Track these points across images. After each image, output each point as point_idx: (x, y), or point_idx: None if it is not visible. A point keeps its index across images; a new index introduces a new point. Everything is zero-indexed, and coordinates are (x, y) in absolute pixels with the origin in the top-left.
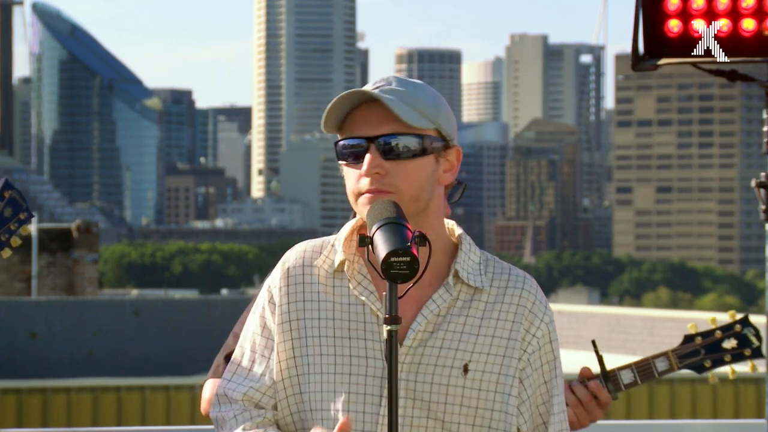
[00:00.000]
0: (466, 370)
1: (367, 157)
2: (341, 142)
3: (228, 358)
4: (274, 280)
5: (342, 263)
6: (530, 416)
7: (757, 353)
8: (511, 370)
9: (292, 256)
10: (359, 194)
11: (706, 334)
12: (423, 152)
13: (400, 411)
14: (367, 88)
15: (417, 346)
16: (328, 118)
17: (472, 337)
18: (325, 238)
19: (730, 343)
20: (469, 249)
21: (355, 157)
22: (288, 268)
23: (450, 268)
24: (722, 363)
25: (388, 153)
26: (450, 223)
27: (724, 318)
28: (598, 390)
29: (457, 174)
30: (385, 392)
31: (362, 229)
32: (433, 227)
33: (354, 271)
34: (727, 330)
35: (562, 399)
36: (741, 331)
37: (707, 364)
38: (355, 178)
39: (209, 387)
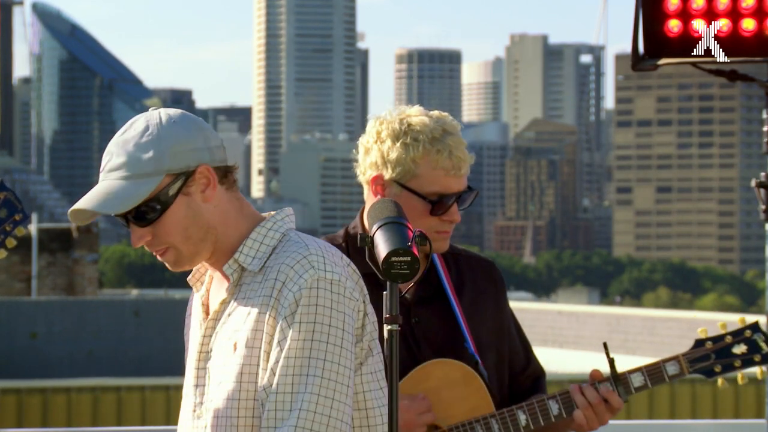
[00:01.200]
0: (235, 347)
1: (132, 230)
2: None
3: None
4: None
5: (196, 271)
6: (265, 392)
7: (766, 359)
8: (262, 344)
9: None
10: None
11: (717, 339)
12: (165, 207)
13: (198, 399)
14: (103, 162)
15: (211, 334)
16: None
17: (242, 317)
18: None
19: (740, 349)
20: (265, 235)
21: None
22: None
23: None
24: (732, 368)
25: (141, 223)
26: (284, 213)
27: (733, 319)
28: (609, 394)
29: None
30: (198, 381)
31: None
32: (228, 237)
33: (198, 276)
34: (738, 335)
35: (301, 362)
36: (751, 337)
37: (717, 368)
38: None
39: None
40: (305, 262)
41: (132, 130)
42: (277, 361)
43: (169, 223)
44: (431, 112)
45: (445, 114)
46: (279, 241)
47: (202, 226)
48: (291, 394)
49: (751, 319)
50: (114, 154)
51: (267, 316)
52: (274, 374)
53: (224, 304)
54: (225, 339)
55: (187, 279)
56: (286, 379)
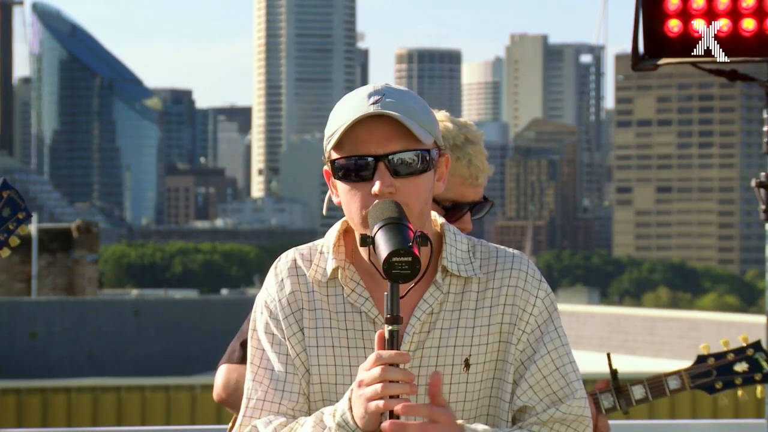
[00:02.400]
0: (467, 365)
1: (379, 176)
2: (343, 161)
3: (244, 344)
4: (270, 293)
5: (335, 270)
6: (543, 392)
7: (767, 378)
8: (509, 356)
9: (284, 267)
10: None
11: (719, 356)
12: (428, 167)
13: (402, 417)
14: (364, 103)
15: (415, 348)
16: (340, 137)
17: (468, 330)
18: (311, 244)
19: (741, 367)
20: (455, 239)
21: (360, 176)
22: (282, 280)
23: (437, 263)
24: (733, 386)
25: (398, 171)
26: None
27: (733, 319)
28: (600, 417)
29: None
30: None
31: (350, 233)
32: (427, 231)
33: (347, 278)
34: (740, 353)
35: (575, 366)
36: (753, 356)
37: (718, 385)
38: (361, 198)
39: (222, 373)
40: (534, 267)
41: (403, 91)
42: (553, 371)
43: (420, 186)
44: (457, 119)
45: (471, 123)
46: (470, 246)
47: (428, 210)
48: (558, 401)
49: (752, 319)
50: (389, 96)
51: (512, 327)
52: (559, 377)
53: (433, 315)
54: (445, 356)
55: (342, 276)
56: (577, 384)
